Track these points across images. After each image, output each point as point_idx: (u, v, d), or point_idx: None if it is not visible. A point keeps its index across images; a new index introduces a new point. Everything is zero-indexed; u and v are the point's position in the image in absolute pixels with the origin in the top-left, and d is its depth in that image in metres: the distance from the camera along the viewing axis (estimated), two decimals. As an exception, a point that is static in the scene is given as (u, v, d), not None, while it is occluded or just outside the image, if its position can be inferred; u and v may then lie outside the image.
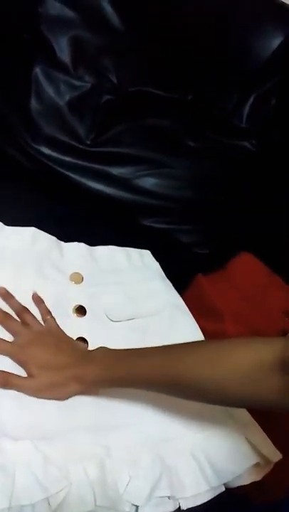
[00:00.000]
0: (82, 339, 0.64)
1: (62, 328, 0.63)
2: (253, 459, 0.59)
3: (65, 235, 0.80)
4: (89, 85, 0.87)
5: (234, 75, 0.91)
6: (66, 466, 0.49)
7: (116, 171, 0.92)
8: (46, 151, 0.88)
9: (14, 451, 0.48)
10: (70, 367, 0.55)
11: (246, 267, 0.92)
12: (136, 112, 0.90)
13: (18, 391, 0.54)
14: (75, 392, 0.55)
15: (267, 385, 0.45)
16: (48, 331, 0.60)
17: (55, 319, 0.62)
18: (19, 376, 0.55)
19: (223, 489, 0.57)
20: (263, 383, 0.45)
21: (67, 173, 0.90)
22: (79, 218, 0.89)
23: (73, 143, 0.89)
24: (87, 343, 0.64)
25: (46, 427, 0.52)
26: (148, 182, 0.93)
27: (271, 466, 0.60)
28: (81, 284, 0.72)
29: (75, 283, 0.71)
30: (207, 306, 0.79)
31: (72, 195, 0.91)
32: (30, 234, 0.72)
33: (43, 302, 0.64)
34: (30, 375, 0.54)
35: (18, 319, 0.60)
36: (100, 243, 0.82)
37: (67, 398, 0.56)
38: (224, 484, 0.57)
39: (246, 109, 0.91)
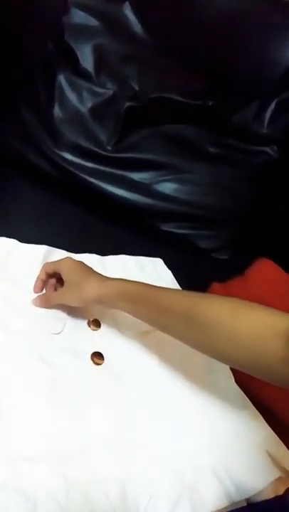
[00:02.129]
0: (98, 353, 0.64)
1: (77, 343, 0.64)
2: (275, 473, 0.57)
3: (85, 240, 0.82)
4: (111, 92, 0.89)
5: (255, 82, 0.91)
6: (87, 489, 0.49)
7: (136, 176, 0.93)
8: (68, 156, 0.90)
9: (35, 476, 0.48)
10: (95, 273, 0.64)
11: (266, 274, 0.91)
12: (157, 118, 0.91)
13: (59, 301, 0.65)
14: (94, 292, 0.61)
15: (271, 350, 0.46)
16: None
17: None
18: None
19: (245, 504, 0.55)
20: (269, 347, 0.46)
21: (89, 178, 0.91)
22: (99, 223, 0.90)
23: (95, 149, 0.90)
24: (103, 358, 0.64)
25: (65, 448, 0.52)
26: (168, 187, 0.94)
27: None
28: None
29: None
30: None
31: (93, 199, 0.92)
32: (43, 252, 0.74)
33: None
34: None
35: None
36: (119, 248, 0.84)
37: (88, 297, 0.61)
38: (246, 499, 0.56)
39: (267, 115, 0.91)
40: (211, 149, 0.94)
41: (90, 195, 0.92)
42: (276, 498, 0.60)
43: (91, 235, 0.86)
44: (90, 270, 0.66)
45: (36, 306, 0.66)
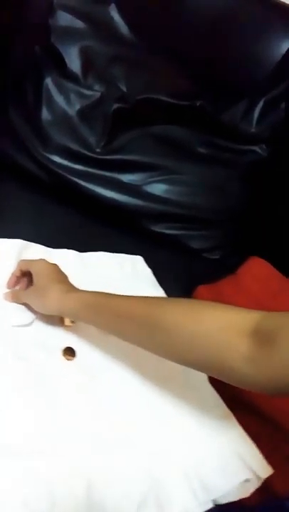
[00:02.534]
0: (70, 349, 0.64)
1: (49, 337, 0.64)
2: (244, 475, 0.56)
3: (75, 241, 0.82)
4: (98, 94, 0.88)
5: (243, 81, 0.91)
6: (53, 483, 0.48)
7: (126, 177, 0.93)
8: (57, 159, 0.90)
9: (1, 468, 0.47)
10: (61, 282, 0.63)
11: (258, 272, 0.91)
12: (145, 120, 0.91)
13: (25, 301, 0.64)
14: (56, 302, 0.60)
15: (235, 349, 0.44)
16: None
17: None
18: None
19: (211, 505, 0.55)
20: (232, 346, 0.44)
21: (78, 180, 0.91)
22: (89, 225, 0.90)
23: (84, 151, 0.90)
24: (74, 353, 0.64)
25: (32, 440, 0.52)
26: (158, 188, 0.94)
27: (261, 481, 0.58)
28: None
29: None
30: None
31: (83, 202, 0.92)
32: (18, 245, 0.73)
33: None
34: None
35: None
36: (110, 249, 0.84)
37: (47, 310, 0.62)
38: (212, 500, 0.55)
39: (255, 114, 0.91)
40: (201, 149, 0.94)
41: (79, 197, 0.92)
42: (275, 501, 0.60)
43: (81, 236, 0.86)
44: (58, 278, 0.64)
45: (6, 300, 0.66)
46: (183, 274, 0.89)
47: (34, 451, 0.51)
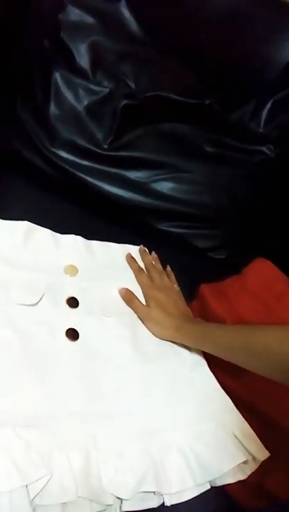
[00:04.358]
0: (73, 330, 0.64)
1: (53, 318, 0.65)
2: (241, 457, 0.58)
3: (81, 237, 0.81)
4: (107, 90, 0.88)
5: (252, 81, 0.91)
6: (49, 454, 0.49)
7: (133, 174, 0.92)
8: (64, 154, 0.90)
9: None
10: (176, 317, 0.72)
11: (263, 274, 0.90)
12: (153, 117, 0.91)
13: (133, 310, 0.72)
14: (169, 336, 0.71)
15: None
16: (172, 288, 0.80)
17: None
18: (140, 301, 0.73)
19: (209, 487, 0.56)
20: None
21: (85, 176, 0.91)
22: (95, 221, 0.90)
23: (91, 147, 0.90)
24: (77, 334, 0.64)
25: (31, 413, 0.52)
26: (164, 186, 0.93)
27: (258, 464, 0.59)
28: (76, 276, 0.73)
29: (70, 275, 0.72)
30: (211, 317, 0.78)
31: (89, 198, 0.92)
32: (25, 227, 0.74)
33: (159, 261, 0.84)
34: (147, 306, 0.74)
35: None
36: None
37: (161, 337, 0.70)
38: (210, 482, 0.57)
39: (264, 115, 0.91)
40: (208, 148, 0.93)
41: (85, 193, 0.92)
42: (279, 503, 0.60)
43: (87, 233, 0.85)
44: (174, 312, 0.73)
45: (120, 294, 0.74)
46: (187, 273, 0.88)
47: (30, 422, 0.51)
